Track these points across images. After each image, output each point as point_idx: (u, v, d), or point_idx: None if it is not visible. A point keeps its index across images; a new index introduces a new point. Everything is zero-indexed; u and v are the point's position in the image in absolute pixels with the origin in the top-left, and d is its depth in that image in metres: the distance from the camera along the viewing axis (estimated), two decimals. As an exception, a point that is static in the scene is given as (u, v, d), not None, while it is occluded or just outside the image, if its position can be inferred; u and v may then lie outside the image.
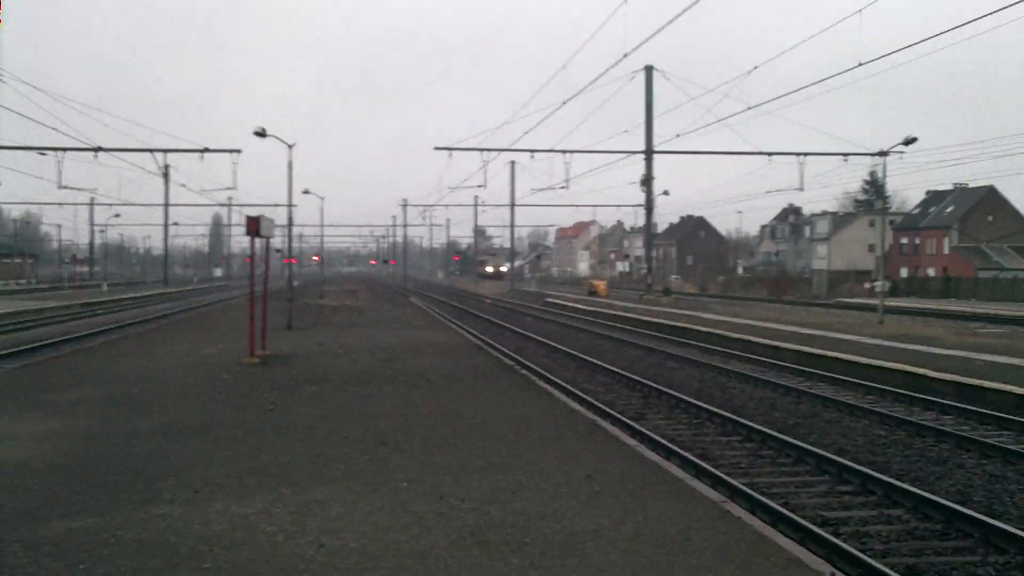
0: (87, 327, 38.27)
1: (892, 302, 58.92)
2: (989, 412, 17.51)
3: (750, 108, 44.84)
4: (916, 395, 19.88)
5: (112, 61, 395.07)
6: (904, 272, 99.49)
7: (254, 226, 20.80)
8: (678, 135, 54.12)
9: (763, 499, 11.10)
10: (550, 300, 65.42)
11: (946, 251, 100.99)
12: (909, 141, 34.88)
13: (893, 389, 20.80)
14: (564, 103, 41.98)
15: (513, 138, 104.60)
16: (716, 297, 77.82)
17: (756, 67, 35.16)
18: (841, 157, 60.29)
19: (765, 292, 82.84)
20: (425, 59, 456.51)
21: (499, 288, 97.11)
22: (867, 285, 78.94)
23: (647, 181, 61.30)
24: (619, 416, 17.14)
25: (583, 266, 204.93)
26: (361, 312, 46.38)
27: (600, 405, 18.34)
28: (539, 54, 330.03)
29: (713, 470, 12.62)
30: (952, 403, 18.75)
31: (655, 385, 21.57)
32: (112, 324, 39.23)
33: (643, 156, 60.98)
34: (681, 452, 13.88)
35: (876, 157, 57.93)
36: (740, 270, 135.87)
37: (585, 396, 19.60)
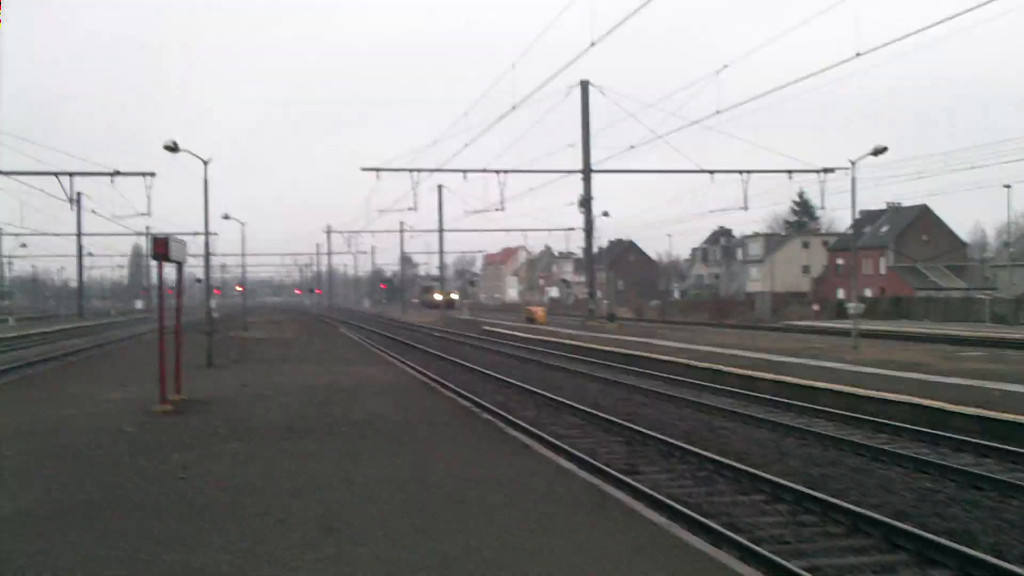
0: (-19, 367, 34.37)
1: (845, 324, 56.76)
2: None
3: (693, 123, 42.54)
4: (937, 432, 17.27)
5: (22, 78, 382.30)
6: (841, 293, 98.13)
7: (162, 248, 17.51)
8: (632, 147, 50.34)
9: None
10: (487, 328, 62.34)
11: (883, 271, 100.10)
12: (878, 151, 32.49)
13: (905, 425, 18.19)
14: (505, 115, 38.93)
15: (445, 158, 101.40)
16: (658, 322, 75.25)
17: (725, 66, 32.24)
18: (786, 175, 58.77)
19: (706, 316, 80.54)
20: (357, 80, 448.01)
21: (430, 316, 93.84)
22: (815, 307, 77.04)
23: (586, 202, 58.72)
24: (607, 470, 14.13)
25: (512, 292, 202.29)
26: (289, 345, 42.85)
27: (583, 456, 15.32)
28: (477, 72, 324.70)
29: (768, 554, 9.65)
30: (986, 442, 16.13)
31: (634, 426, 18.66)
32: (9, 364, 35.28)
33: (581, 176, 58.51)
34: (712, 526, 10.90)
35: (822, 174, 56.88)
36: (676, 294, 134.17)
37: (559, 443, 16.57)
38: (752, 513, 12.03)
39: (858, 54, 23.47)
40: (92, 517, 9.49)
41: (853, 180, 33.07)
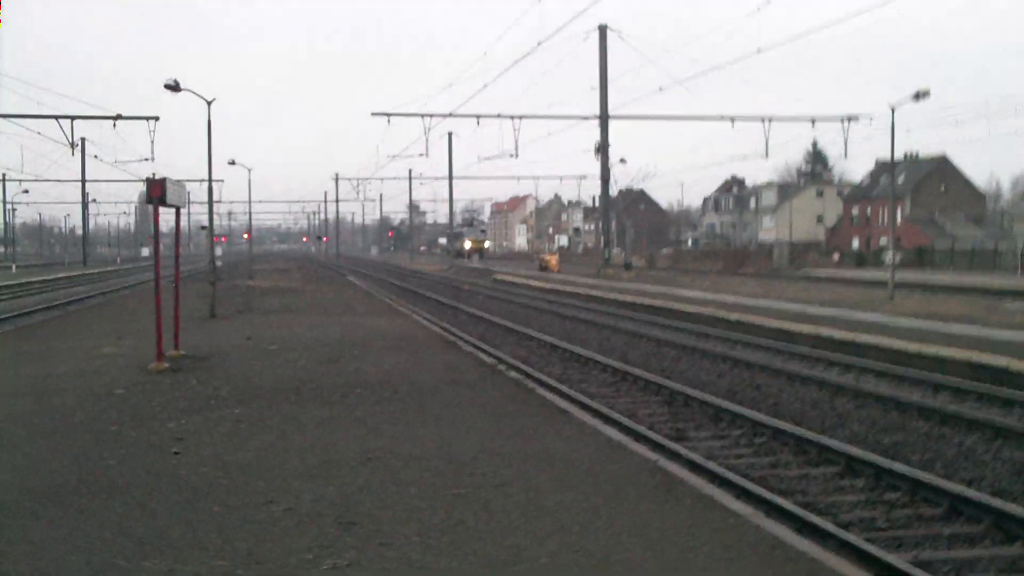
0: (-24, 317, 32.88)
1: (868, 274, 55.21)
2: None
3: (713, 68, 40.75)
4: (1006, 394, 15.70)
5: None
6: (856, 243, 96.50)
7: (157, 191, 15.87)
8: (661, 88, 48.23)
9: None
10: (500, 277, 60.79)
11: (899, 222, 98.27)
12: (920, 95, 30.70)
13: (970, 386, 16.60)
14: (530, 52, 37.11)
15: (459, 103, 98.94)
16: (672, 271, 73.56)
17: (768, 1, 30.12)
18: (807, 122, 56.92)
19: (719, 265, 78.85)
20: (372, 24, 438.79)
21: (439, 264, 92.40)
22: (835, 256, 75.45)
23: (602, 149, 56.94)
24: (658, 439, 12.57)
25: (520, 240, 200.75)
26: (296, 294, 41.24)
27: (624, 421, 13.78)
28: (498, 18, 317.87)
29: (870, 549, 8.08)
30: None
31: (671, 384, 17.15)
32: (6, 313, 33.73)
33: (598, 122, 56.71)
34: (791, 510, 9.35)
35: (846, 122, 54.96)
36: (690, 243, 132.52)
37: (595, 405, 15.03)
38: (829, 491, 10.52)
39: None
40: (64, 505, 7.92)
41: (892, 126, 31.32)
